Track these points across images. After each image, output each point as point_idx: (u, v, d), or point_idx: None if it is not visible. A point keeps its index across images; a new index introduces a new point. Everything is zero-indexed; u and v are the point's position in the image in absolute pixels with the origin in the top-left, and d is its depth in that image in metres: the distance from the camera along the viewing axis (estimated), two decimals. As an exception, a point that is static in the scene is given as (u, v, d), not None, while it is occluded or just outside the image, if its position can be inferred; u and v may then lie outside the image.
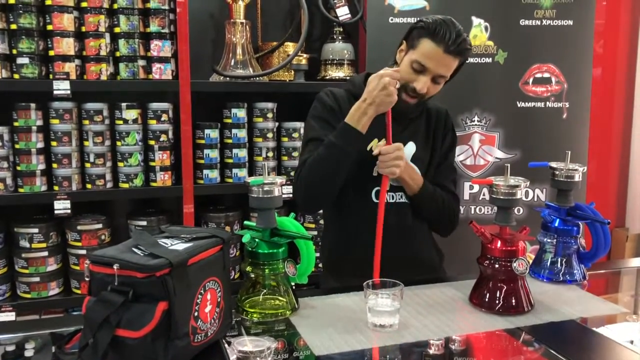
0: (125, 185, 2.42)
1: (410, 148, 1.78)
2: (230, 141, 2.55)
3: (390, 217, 1.70)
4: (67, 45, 2.26)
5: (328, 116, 1.76)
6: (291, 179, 2.59)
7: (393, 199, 1.77)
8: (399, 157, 1.66)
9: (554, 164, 1.65)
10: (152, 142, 2.43)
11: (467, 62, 1.76)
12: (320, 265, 1.94)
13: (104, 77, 2.34)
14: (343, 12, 2.70)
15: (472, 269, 1.56)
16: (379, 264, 1.65)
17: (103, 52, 2.32)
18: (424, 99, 1.72)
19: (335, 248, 1.85)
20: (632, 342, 1.31)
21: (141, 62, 2.38)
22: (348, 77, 2.72)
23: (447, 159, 1.87)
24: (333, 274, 1.85)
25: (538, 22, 2.52)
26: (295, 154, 2.63)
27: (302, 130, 2.64)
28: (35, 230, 2.34)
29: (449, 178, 1.87)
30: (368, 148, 1.73)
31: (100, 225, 2.43)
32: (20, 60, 2.23)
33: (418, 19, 1.71)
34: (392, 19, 2.51)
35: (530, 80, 2.54)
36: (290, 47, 2.72)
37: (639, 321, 1.46)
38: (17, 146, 2.27)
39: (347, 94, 1.81)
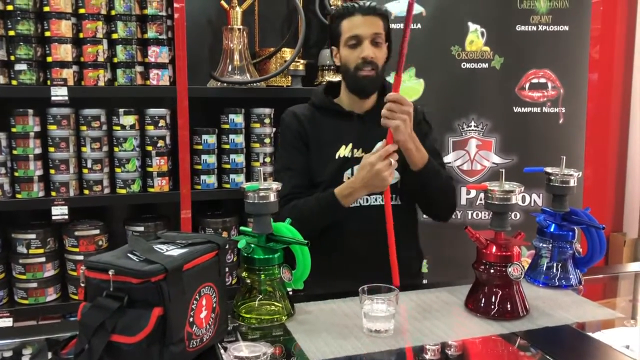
0: (123, 191, 2.42)
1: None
2: (227, 147, 2.56)
3: (371, 220, 1.72)
4: (64, 52, 2.27)
5: (295, 142, 1.83)
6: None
7: (376, 201, 1.80)
8: (407, 112, 1.67)
9: (549, 169, 1.65)
10: (149, 148, 2.44)
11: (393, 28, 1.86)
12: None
13: (101, 83, 2.34)
14: (340, 18, 2.70)
15: (468, 274, 1.56)
16: (396, 265, 1.69)
17: (101, 58, 2.33)
18: (379, 69, 1.77)
19: (315, 254, 1.84)
20: (628, 347, 1.32)
21: (139, 68, 2.39)
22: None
23: (426, 146, 1.85)
24: (316, 280, 1.86)
25: (534, 28, 2.54)
26: (293, 159, 2.64)
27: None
28: (33, 236, 2.34)
29: (437, 162, 1.87)
30: (337, 156, 1.78)
31: (97, 231, 2.43)
32: (18, 67, 2.24)
33: (329, 18, 1.86)
34: (389, 25, 2.52)
35: (527, 85, 2.55)
36: (287, 53, 2.73)
37: (637, 326, 1.47)
38: (14, 152, 2.27)
39: (311, 107, 1.87)
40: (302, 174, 1.81)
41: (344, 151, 1.80)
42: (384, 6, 1.82)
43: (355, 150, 1.80)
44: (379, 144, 1.75)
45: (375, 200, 1.80)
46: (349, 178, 1.76)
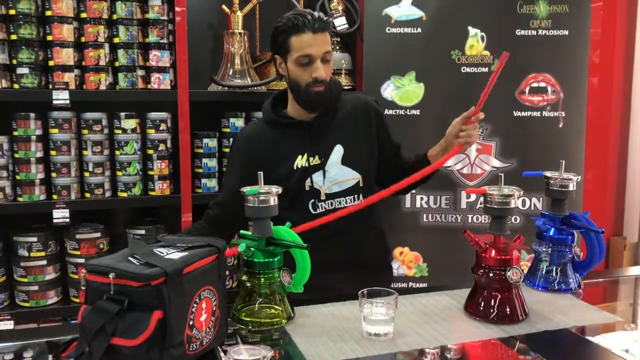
0: (124, 194, 2.43)
1: (338, 151, 1.85)
2: (228, 150, 2.56)
3: (336, 224, 1.74)
4: (66, 56, 2.28)
5: (240, 161, 1.87)
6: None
7: (340, 204, 1.84)
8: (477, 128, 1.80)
9: (548, 174, 1.66)
10: (150, 152, 2.45)
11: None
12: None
13: (103, 87, 2.35)
14: (341, 23, 2.71)
15: (467, 277, 1.56)
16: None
17: (102, 62, 2.34)
18: (328, 82, 1.79)
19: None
20: (627, 351, 1.32)
21: (140, 72, 2.40)
22: (345, 87, 2.74)
23: (393, 142, 1.97)
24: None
25: (534, 32, 2.54)
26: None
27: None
28: (34, 239, 2.35)
29: (399, 149, 1.99)
30: (295, 167, 1.82)
31: (98, 234, 2.44)
32: (20, 70, 2.25)
33: (273, 28, 1.80)
34: (389, 29, 2.53)
35: (527, 89, 2.56)
36: (288, 57, 2.73)
37: (637, 330, 1.47)
38: (16, 155, 2.28)
39: (262, 124, 1.92)
40: (230, 195, 1.80)
41: (300, 161, 1.83)
42: (329, 18, 1.81)
43: (311, 158, 1.83)
44: (337, 148, 1.83)
45: (340, 203, 1.85)
46: (310, 186, 1.82)
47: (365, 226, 1.90)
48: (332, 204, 1.84)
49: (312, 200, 1.83)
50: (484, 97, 1.72)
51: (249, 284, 1.42)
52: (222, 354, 1.22)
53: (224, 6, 2.60)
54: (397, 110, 2.52)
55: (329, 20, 1.78)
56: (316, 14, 1.75)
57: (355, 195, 1.87)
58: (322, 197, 1.84)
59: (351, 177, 1.86)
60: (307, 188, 1.82)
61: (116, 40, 2.36)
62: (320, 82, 1.76)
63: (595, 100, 2.74)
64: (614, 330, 1.46)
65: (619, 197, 3.49)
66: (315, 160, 1.83)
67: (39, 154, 2.31)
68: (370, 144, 1.91)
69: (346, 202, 1.85)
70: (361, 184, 1.87)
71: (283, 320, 1.40)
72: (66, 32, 2.27)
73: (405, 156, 2.01)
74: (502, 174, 1.49)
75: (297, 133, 1.85)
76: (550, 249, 1.65)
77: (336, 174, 1.84)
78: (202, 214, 2.63)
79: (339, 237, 1.81)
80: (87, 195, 2.39)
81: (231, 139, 2.55)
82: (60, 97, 2.24)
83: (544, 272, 1.67)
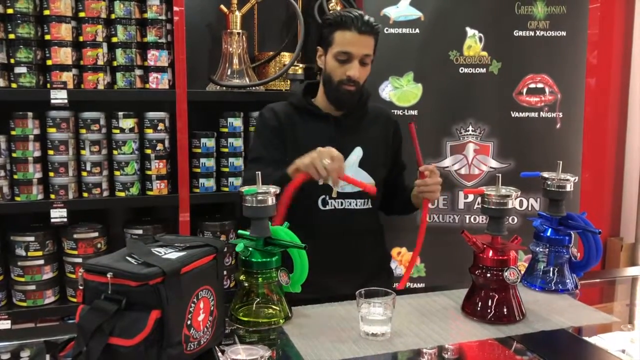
0: (122, 194, 2.42)
1: (358, 153, 1.86)
2: (226, 150, 2.57)
3: (343, 223, 1.75)
4: (64, 55, 2.28)
5: (270, 134, 1.85)
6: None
7: (350, 205, 1.85)
8: (440, 182, 1.78)
9: (545, 174, 1.66)
10: (148, 151, 2.44)
11: (379, 39, 1.87)
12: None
13: (101, 87, 2.35)
14: (339, 23, 2.71)
15: (465, 278, 1.57)
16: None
17: (100, 62, 2.34)
18: (360, 85, 1.81)
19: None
20: (623, 351, 1.32)
21: (138, 72, 2.40)
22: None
23: (399, 160, 2.02)
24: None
25: (532, 33, 2.55)
26: (291, 163, 2.65)
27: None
28: (32, 238, 2.34)
29: (404, 170, 2.04)
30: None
31: (96, 234, 2.44)
32: (18, 70, 2.24)
33: (323, 20, 1.83)
34: (387, 30, 2.53)
35: (524, 90, 2.56)
36: (286, 57, 2.74)
37: (634, 330, 1.47)
38: (14, 155, 2.28)
39: (289, 107, 1.89)
40: (271, 166, 1.78)
41: None
42: (378, 24, 1.81)
43: None
44: (357, 150, 1.83)
45: (350, 204, 1.85)
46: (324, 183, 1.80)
47: (368, 230, 1.91)
48: (341, 204, 1.84)
49: (323, 197, 1.83)
50: (417, 149, 1.79)
51: (246, 284, 1.42)
52: (219, 354, 1.22)
53: (222, 6, 2.59)
54: (395, 111, 2.51)
55: (378, 26, 1.80)
56: (367, 17, 1.77)
57: (365, 200, 1.87)
58: (333, 195, 1.84)
59: (366, 180, 1.86)
60: (320, 182, 1.78)
61: (114, 39, 2.36)
62: (352, 82, 1.78)
63: (592, 102, 2.75)
64: (610, 330, 1.46)
65: (615, 198, 3.49)
66: None
67: (37, 154, 2.31)
68: (386, 154, 1.93)
69: (356, 204, 1.86)
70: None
71: (281, 320, 1.40)
72: (64, 31, 2.27)
73: (405, 181, 2.04)
74: (500, 175, 1.49)
75: (322, 125, 1.85)
76: (547, 250, 1.65)
77: (352, 175, 1.80)
78: (200, 214, 2.65)
79: (342, 238, 1.81)
80: (85, 194, 2.38)
81: (229, 139, 2.56)
82: (58, 96, 2.23)
83: (541, 272, 1.67)
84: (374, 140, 1.91)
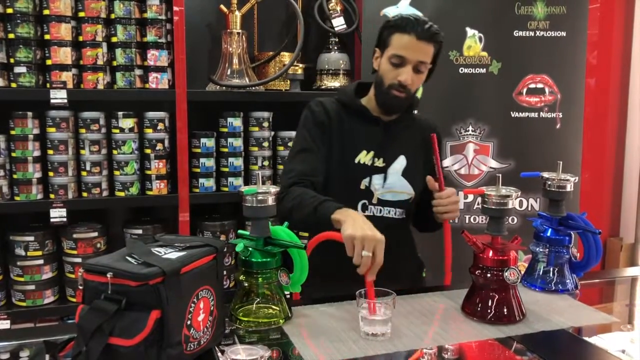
0: (121, 194, 2.42)
1: (401, 162, 1.79)
2: (226, 150, 2.56)
3: (380, 231, 1.71)
4: (64, 55, 2.28)
5: (318, 128, 1.77)
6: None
7: (388, 213, 1.78)
8: (457, 201, 1.72)
9: (545, 174, 1.66)
10: (148, 151, 2.44)
11: (441, 53, 1.78)
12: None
13: (100, 86, 2.35)
14: (339, 23, 2.72)
15: (465, 278, 1.57)
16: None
17: (100, 62, 2.34)
18: (411, 93, 1.75)
19: (322, 263, 1.75)
20: (623, 351, 1.32)
21: (138, 72, 2.39)
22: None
23: (427, 168, 1.90)
24: (320, 287, 1.86)
25: (532, 33, 2.55)
26: (291, 163, 2.64)
27: (298, 140, 2.67)
28: (31, 238, 2.34)
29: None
30: (356, 161, 1.75)
31: (96, 234, 2.43)
32: (17, 69, 2.24)
33: (385, 21, 1.76)
34: (387, 30, 2.53)
35: (524, 90, 2.57)
36: (286, 57, 2.74)
37: (634, 330, 1.47)
38: (13, 154, 2.28)
39: (337, 104, 1.82)
40: (316, 159, 1.74)
41: (364, 157, 1.76)
42: (441, 32, 1.71)
43: (375, 158, 1.76)
44: (401, 158, 1.77)
45: (388, 212, 1.78)
46: (366, 186, 1.75)
47: (403, 239, 1.86)
48: (380, 211, 1.77)
49: (364, 202, 1.76)
50: (437, 161, 1.73)
51: (246, 284, 1.42)
52: (219, 354, 1.22)
53: (222, 6, 2.59)
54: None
55: (440, 34, 1.71)
56: (430, 24, 1.69)
57: (403, 210, 1.80)
58: (374, 201, 1.76)
59: (406, 190, 1.79)
60: (362, 187, 1.75)
61: (114, 39, 2.36)
62: (403, 87, 1.70)
63: (592, 102, 2.75)
64: (610, 330, 1.46)
65: (615, 198, 3.50)
66: (379, 162, 1.76)
67: (37, 153, 2.30)
68: (426, 167, 1.84)
69: (395, 213, 1.78)
70: (410, 201, 1.81)
71: (281, 320, 1.40)
72: (64, 31, 2.27)
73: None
74: (500, 175, 1.49)
75: (370, 128, 1.78)
76: (547, 250, 1.65)
77: (394, 183, 1.77)
78: (200, 214, 2.65)
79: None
80: (85, 194, 2.38)
81: (229, 139, 2.55)
82: (58, 96, 2.23)
83: (541, 272, 1.67)
84: (417, 150, 1.83)
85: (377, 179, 1.76)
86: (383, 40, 1.73)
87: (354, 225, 1.41)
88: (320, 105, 1.81)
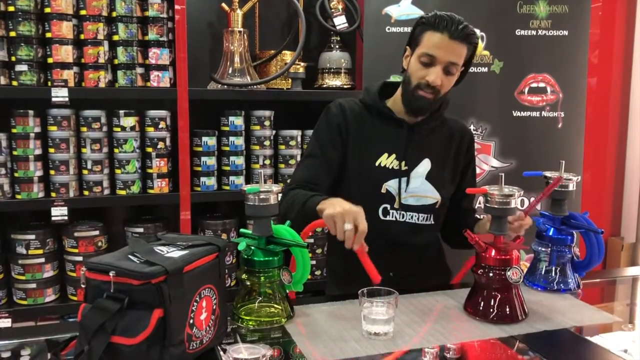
0: (123, 192, 2.42)
1: (426, 165, 1.74)
2: (227, 149, 2.56)
3: (402, 236, 1.69)
4: (65, 53, 2.27)
5: (331, 132, 1.72)
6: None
7: (412, 218, 1.73)
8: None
9: (548, 174, 1.66)
10: (149, 150, 2.44)
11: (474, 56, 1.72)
12: (317, 272, 1.94)
13: (102, 85, 2.35)
14: (340, 22, 2.71)
15: (467, 277, 1.56)
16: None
17: (101, 60, 2.34)
18: (440, 94, 1.67)
19: (342, 266, 1.79)
20: (625, 351, 1.32)
21: (139, 70, 2.39)
22: (345, 86, 2.74)
23: (467, 179, 1.85)
24: (335, 281, 1.85)
25: (534, 32, 2.54)
26: (293, 161, 2.65)
27: (299, 138, 2.66)
28: (32, 236, 2.34)
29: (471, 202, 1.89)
30: (377, 164, 1.71)
31: (97, 232, 2.43)
32: (19, 68, 2.24)
33: (418, 19, 1.69)
34: (388, 29, 2.53)
35: (526, 89, 2.56)
36: (287, 55, 2.73)
37: (634, 330, 1.47)
38: (14, 153, 2.27)
39: (360, 105, 1.77)
40: (319, 166, 1.71)
41: (385, 160, 1.71)
42: (476, 33, 1.64)
43: (397, 161, 1.71)
44: (425, 162, 1.73)
45: (412, 217, 1.72)
46: (387, 190, 1.70)
47: (428, 245, 1.80)
48: (403, 216, 1.71)
49: (385, 206, 1.70)
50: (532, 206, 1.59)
51: (248, 283, 1.42)
52: (221, 353, 1.22)
53: (223, 4, 2.59)
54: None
55: (474, 35, 1.64)
56: (465, 24, 1.62)
57: (429, 215, 1.74)
58: (396, 206, 1.71)
59: (431, 195, 1.73)
60: (383, 190, 1.70)
61: (115, 37, 2.36)
62: (431, 88, 1.62)
63: (593, 101, 2.75)
64: (613, 330, 1.46)
65: (616, 198, 3.50)
66: (403, 166, 1.71)
67: (38, 152, 2.30)
68: (455, 171, 1.80)
69: (418, 219, 1.72)
70: (437, 206, 1.75)
71: (283, 319, 1.40)
72: (65, 29, 2.27)
73: (469, 211, 1.88)
74: (503, 174, 1.49)
75: (393, 130, 1.72)
76: (549, 249, 1.65)
77: (418, 187, 1.72)
78: (201, 212, 2.65)
79: (400, 251, 1.71)
80: (86, 193, 2.38)
81: (230, 138, 2.55)
82: (59, 94, 2.23)
83: (543, 272, 1.67)
84: (444, 154, 1.77)
85: (398, 183, 1.71)
86: (414, 38, 1.66)
87: (333, 206, 1.42)
88: (338, 107, 1.75)
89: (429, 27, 1.62)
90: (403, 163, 1.71)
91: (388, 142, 1.72)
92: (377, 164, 1.71)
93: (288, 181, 1.79)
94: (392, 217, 1.71)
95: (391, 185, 1.71)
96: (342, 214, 1.38)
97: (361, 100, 1.78)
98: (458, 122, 1.87)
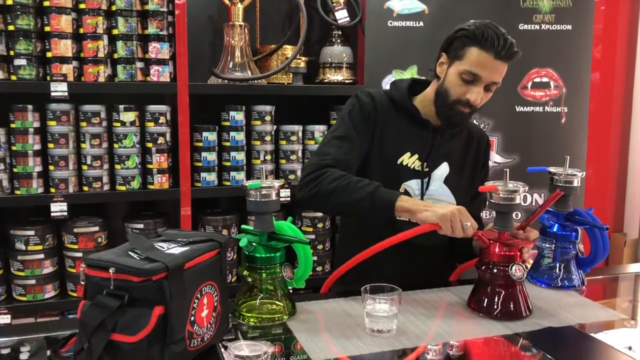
0: (123, 188, 2.41)
1: (444, 169, 1.72)
2: (228, 144, 2.55)
3: (414, 237, 1.66)
4: (64, 47, 2.26)
5: (363, 119, 1.67)
6: (289, 182, 2.60)
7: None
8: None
9: (552, 169, 1.64)
10: (149, 145, 2.42)
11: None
12: (319, 269, 1.92)
13: (101, 79, 2.33)
14: (342, 16, 2.69)
15: (471, 273, 1.55)
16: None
17: (101, 54, 2.32)
18: (477, 109, 1.65)
19: (349, 254, 1.77)
20: (630, 348, 1.31)
21: (139, 64, 2.37)
22: (346, 81, 2.72)
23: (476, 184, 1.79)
24: (346, 279, 1.84)
25: (537, 27, 2.53)
26: (294, 157, 2.63)
27: (300, 134, 2.64)
28: (32, 232, 2.33)
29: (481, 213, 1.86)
30: (399, 162, 1.68)
31: (97, 228, 2.42)
32: (17, 62, 2.22)
33: (458, 27, 1.62)
34: (391, 23, 2.51)
35: (529, 84, 2.55)
36: (288, 50, 2.72)
37: (638, 327, 1.46)
38: (13, 148, 2.26)
39: (387, 98, 1.73)
40: (353, 150, 1.63)
41: (407, 159, 1.68)
42: (519, 51, 1.59)
43: (419, 162, 1.69)
44: (444, 165, 1.70)
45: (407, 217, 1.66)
46: (405, 190, 1.67)
47: (442, 247, 1.77)
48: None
49: None
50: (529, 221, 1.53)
51: (250, 279, 1.41)
52: (223, 350, 1.20)
53: (224, -2, 2.57)
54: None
55: (518, 52, 1.59)
56: (511, 41, 1.56)
57: None
58: None
59: (448, 198, 1.71)
60: (402, 190, 1.66)
61: (115, 31, 2.34)
62: (470, 105, 1.60)
63: (596, 96, 2.73)
64: (617, 327, 1.45)
65: (619, 194, 3.49)
66: (424, 167, 1.68)
67: (37, 147, 2.29)
68: (472, 176, 1.78)
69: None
70: None
71: (284, 316, 1.39)
72: (64, 23, 2.25)
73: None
74: (507, 170, 1.47)
75: (417, 130, 1.69)
76: (553, 246, 1.64)
77: (436, 189, 1.70)
78: (201, 208, 2.63)
79: (415, 253, 1.68)
80: (85, 188, 2.37)
81: (231, 133, 2.53)
82: (59, 89, 2.21)
83: (547, 268, 1.66)
84: (463, 159, 1.76)
85: (418, 184, 1.68)
86: (454, 49, 1.60)
87: (434, 209, 1.44)
88: (368, 95, 1.70)
89: (474, 43, 1.55)
90: (425, 164, 1.69)
91: (412, 142, 1.68)
92: (399, 161, 1.68)
93: (308, 157, 1.67)
94: (406, 217, 1.65)
95: (410, 185, 1.68)
96: (455, 214, 1.40)
97: (389, 95, 1.74)
98: (476, 127, 1.84)
